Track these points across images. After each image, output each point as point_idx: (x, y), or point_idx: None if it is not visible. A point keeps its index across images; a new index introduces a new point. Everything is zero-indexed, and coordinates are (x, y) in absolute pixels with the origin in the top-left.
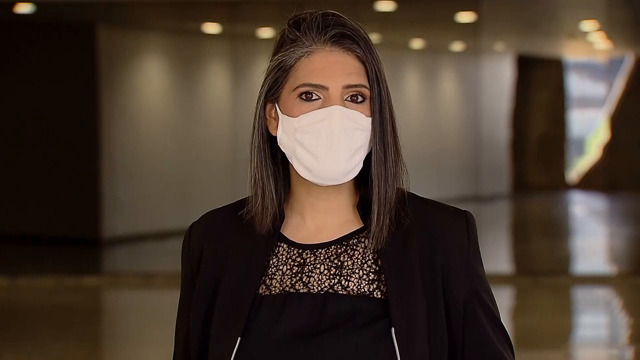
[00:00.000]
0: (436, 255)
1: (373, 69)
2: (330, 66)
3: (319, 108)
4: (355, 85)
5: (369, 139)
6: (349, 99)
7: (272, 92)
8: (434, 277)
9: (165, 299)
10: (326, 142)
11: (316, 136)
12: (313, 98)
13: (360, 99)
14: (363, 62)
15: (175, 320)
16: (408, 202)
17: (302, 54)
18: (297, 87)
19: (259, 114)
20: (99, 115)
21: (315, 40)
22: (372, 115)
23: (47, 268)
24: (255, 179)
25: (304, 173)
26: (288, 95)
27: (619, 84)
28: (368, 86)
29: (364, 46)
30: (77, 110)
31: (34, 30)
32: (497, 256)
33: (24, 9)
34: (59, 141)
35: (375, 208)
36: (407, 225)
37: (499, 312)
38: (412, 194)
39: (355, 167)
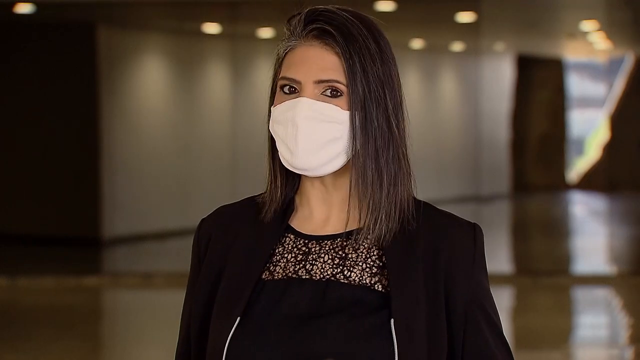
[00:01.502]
0: (441, 259)
1: (351, 65)
2: (305, 60)
3: None
4: (327, 80)
5: (347, 133)
6: (327, 93)
7: (274, 86)
8: (437, 279)
9: (165, 299)
10: (292, 133)
11: (285, 127)
12: (295, 91)
13: (338, 93)
14: (341, 58)
15: (182, 310)
16: (416, 207)
17: (286, 48)
18: (278, 81)
19: (269, 108)
20: (99, 115)
21: (299, 35)
22: (351, 110)
23: (47, 268)
24: (267, 170)
25: (284, 163)
26: (277, 88)
27: (619, 84)
28: (344, 82)
29: (343, 41)
30: (77, 110)
31: (34, 30)
32: (497, 256)
33: (24, 9)
34: (59, 141)
35: (356, 201)
36: (415, 229)
37: (501, 324)
38: (424, 202)
39: (331, 159)
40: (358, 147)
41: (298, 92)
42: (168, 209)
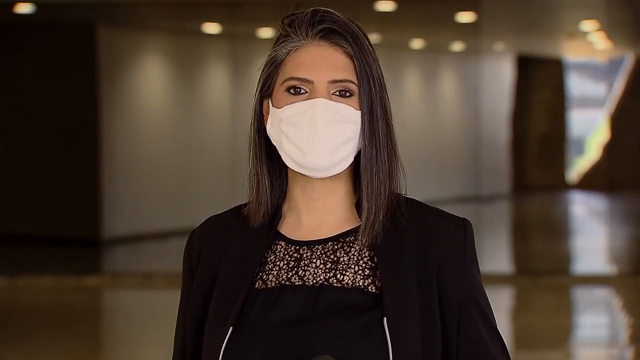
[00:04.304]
0: (432, 255)
1: (362, 65)
2: (316, 60)
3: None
4: (341, 80)
5: (358, 133)
6: (337, 93)
7: (266, 88)
8: (428, 276)
9: (165, 299)
10: (309, 135)
11: (300, 128)
12: (301, 92)
13: (348, 94)
14: (351, 58)
15: (176, 319)
16: (405, 204)
17: (291, 49)
18: (284, 81)
19: (256, 110)
20: (99, 115)
21: (304, 35)
22: (361, 110)
23: (47, 268)
24: (250, 175)
25: (291, 164)
26: (278, 89)
27: (619, 84)
28: (356, 82)
29: (352, 42)
30: (77, 110)
31: (34, 30)
32: (497, 256)
33: (24, 9)
34: (59, 141)
35: (365, 203)
36: (405, 226)
37: (495, 319)
38: (413, 198)
39: (342, 160)
40: (365, 146)
41: (307, 93)
42: (168, 209)
